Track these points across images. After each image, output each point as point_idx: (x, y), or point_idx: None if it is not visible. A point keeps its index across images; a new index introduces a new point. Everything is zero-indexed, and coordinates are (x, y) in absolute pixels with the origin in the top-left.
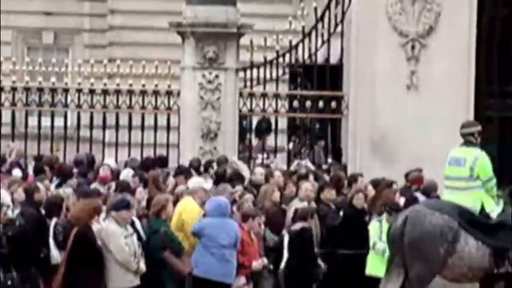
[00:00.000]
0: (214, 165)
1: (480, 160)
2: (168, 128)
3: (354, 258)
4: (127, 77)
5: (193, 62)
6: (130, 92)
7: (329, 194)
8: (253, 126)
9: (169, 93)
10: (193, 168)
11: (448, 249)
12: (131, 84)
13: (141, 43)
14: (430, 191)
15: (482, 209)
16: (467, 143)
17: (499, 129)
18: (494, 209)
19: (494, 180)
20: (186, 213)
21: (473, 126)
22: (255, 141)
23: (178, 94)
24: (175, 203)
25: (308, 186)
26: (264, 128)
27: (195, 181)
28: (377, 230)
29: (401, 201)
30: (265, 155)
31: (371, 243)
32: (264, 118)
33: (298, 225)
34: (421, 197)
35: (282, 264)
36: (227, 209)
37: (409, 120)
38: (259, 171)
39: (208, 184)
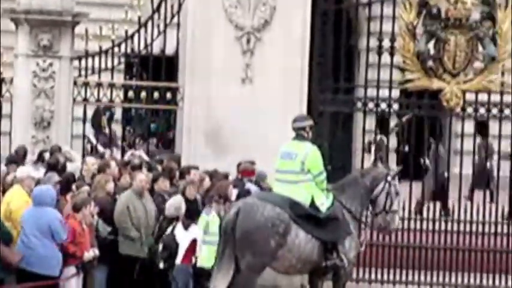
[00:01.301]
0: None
1: (311, 154)
2: (0, 115)
3: None
4: None
5: (27, 50)
6: None
7: (163, 184)
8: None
9: (1, 80)
10: (20, 157)
11: (279, 241)
12: None
13: None
14: (260, 182)
15: (313, 202)
16: (299, 137)
17: (331, 124)
18: (324, 203)
19: (325, 175)
20: (14, 202)
21: (305, 121)
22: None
23: (11, 81)
24: (4, 191)
25: (142, 177)
26: (108, 118)
27: (23, 170)
28: (204, 222)
29: (234, 192)
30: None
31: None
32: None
33: None
34: (253, 189)
35: None
36: (46, 197)
37: (243, 113)
38: (91, 161)
39: (39, 173)
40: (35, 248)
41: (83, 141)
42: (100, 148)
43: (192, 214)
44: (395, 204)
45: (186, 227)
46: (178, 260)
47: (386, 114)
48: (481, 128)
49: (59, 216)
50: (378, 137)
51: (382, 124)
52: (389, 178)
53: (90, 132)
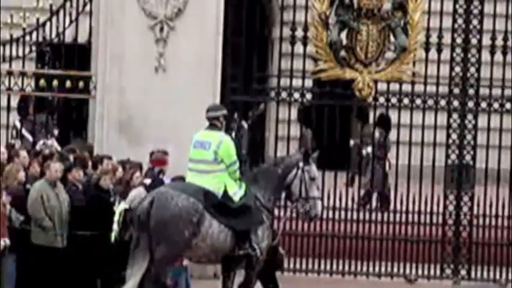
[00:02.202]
0: None
1: (224, 144)
2: None
3: (98, 239)
4: None
5: None
6: None
7: (77, 174)
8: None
9: None
10: None
11: (193, 231)
12: None
13: None
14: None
15: (226, 192)
16: (212, 126)
17: (244, 114)
18: (237, 192)
19: (238, 164)
20: None
21: (218, 110)
22: None
23: None
24: None
25: (56, 167)
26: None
27: None
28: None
29: (147, 182)
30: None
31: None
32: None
33: None
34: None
35: None
36: None
37: (156, 102)
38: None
39: None
40: None
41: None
42: (27, 135)
43: (104, 204)
44: (314, 191)
45: None
46: None
47: (307, 104)
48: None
49: None
50: (304, 129)
51: (305, 115)
52: (301, 164)
53: (16, 119)
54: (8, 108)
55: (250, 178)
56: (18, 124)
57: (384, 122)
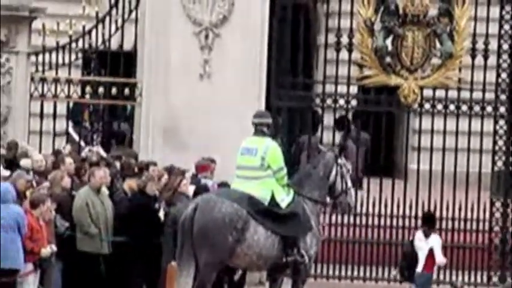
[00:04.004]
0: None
1: (271, 150)
2: None
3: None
4: None
5: None
6: None
7: (132, 182)
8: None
9: None
10: None
11: (237, 237)
12: None
13: None
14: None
15: (273, 198)
16: (258, 132)
17: (288, 120)
18: (285, 199)
19: (285, 170)
20: None
21: (265, 117)
22: None
23: None
24: None
25: (101, 174)
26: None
27: None
28: None
29: (191, 189)
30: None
31: None
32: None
33: None
34: (212, 186)
35: None
36: (9, 195)
37: (201, 109)
38: (38, 158)
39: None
40: (3, 243)
41: (40, 137)
42: (82, 143)
43: (150, 211)
44: (349, 182)
45: (426, 236)
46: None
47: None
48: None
49: (22, 212)
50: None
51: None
52: (339, 161)
53: (71, 127)
54: (54, 115)
55: (296, 183)
56: (72, 131)
57: (342, 124)
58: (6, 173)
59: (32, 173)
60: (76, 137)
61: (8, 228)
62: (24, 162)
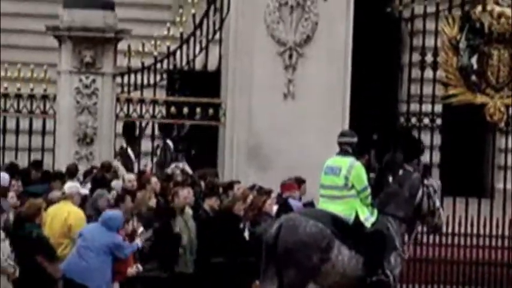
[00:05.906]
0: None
1: (355, 169)
2: (44, 132)
3: (231, 266)
4: (3, 81)
5: (70, 66)
6: (5, 96)
7: (212, 201)
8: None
9: (45, 97)
10: (70, 174)
11: (322, 257)
12: (6, 87)
13: (17, 46)
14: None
15: (357, 217)
16: (343, 152)
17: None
18: (369, 218)
19: (369, 190)
20: (71, 218)
21: (350, 136)
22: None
23: (55, 98)
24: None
25: (185, 194)
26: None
27: (72, 186)
28: None
29: (275, 209)
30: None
31: None
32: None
33: None
34: (296, 205)
35: None
36: (116, 222)
37: (285, 128)
38: (129, 178)
39: (85, 190)
40: (91, 262)
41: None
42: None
43: (235, 230)
44: (437, 202)
45: None
46: None
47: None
48: None
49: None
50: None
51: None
52: (425, 181)
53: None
54: (140, 135)
55: (382, 202)
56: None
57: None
58: (85, 190)
59: (115, 193)
60: (132, 156)
61: (99, 249)
62: (114, 183)
